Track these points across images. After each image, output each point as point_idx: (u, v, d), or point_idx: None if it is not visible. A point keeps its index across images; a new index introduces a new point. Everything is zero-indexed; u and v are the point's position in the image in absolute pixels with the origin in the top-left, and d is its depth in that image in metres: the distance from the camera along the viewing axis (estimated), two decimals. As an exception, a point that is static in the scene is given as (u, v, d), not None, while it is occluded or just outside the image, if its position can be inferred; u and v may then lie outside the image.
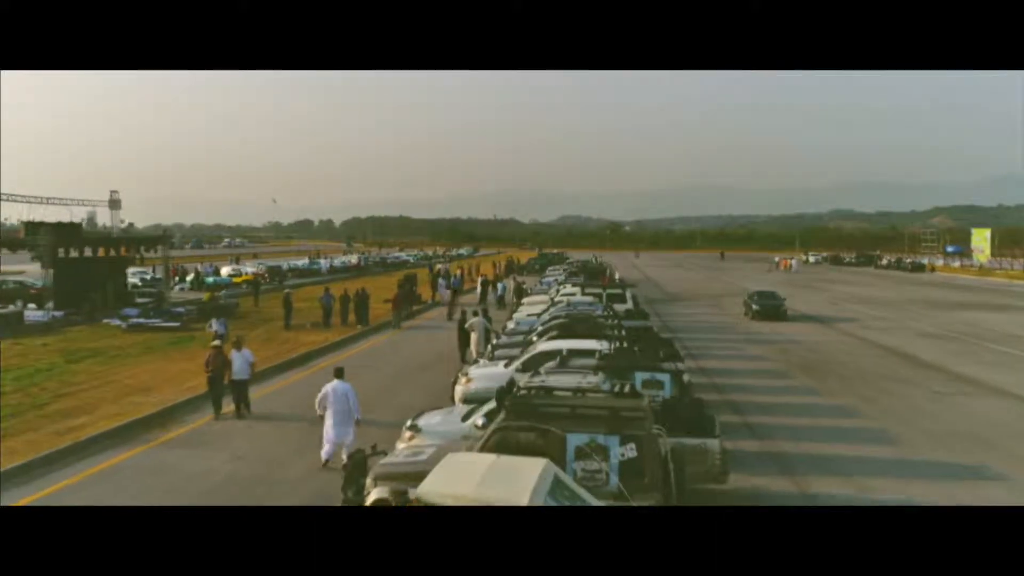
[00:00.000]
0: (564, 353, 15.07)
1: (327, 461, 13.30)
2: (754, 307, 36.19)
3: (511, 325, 26.12)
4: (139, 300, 37.26)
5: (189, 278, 50.66)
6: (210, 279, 50.19)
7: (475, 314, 23.59)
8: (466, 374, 16.80)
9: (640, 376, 13.60)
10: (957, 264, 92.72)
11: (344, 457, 11.98)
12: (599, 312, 24.77)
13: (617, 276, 36.54)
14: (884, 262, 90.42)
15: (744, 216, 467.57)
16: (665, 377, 13.70)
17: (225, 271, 54.22)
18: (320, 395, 13.63)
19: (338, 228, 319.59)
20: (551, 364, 14.60)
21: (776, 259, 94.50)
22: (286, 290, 33.50)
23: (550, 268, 62.97)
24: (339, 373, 13.94)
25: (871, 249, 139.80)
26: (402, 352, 26.43)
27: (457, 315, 28.97)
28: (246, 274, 52.76)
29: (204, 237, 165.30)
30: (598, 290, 30.23)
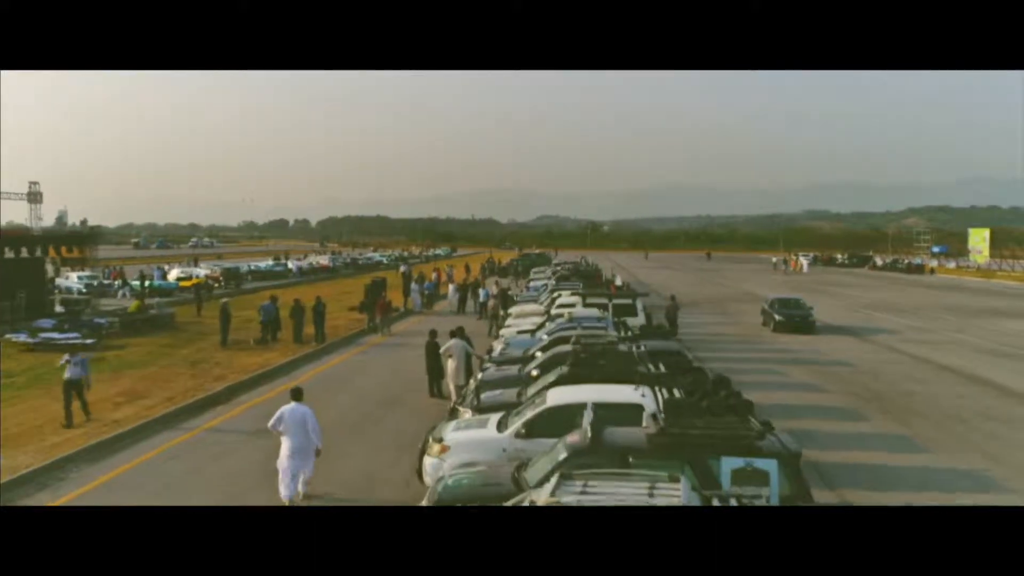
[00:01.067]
0: (590, 416, 9.33)
1: (290, 501, 11.04)
2: (776, 317, 30.90)
3: (499, 347, 20.54)
4: (59, 310, 31.43)
5: (133, 281, 44.49)
6: (155, 282, 44.03)
7: (452, 334, 17.98)
8: (440, 439, 11.16)
9: (729, 464, 8.12)
10: (953, 265, 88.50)
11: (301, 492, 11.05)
12: (611, 330, 19.36)
13: (619, 280, 31.12)
14: (880, 263, 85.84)
15: (721, 216, 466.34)
16: (770, 465, 8.19)
17: (174, 274, 48.06)
18: (274, 418, 11.46)
19: (314, 228, 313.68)
20: (575, 442, 8.96)
21: (774, 260, 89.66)
22: (224, 299, 27.62)
23: (534, 270, 57.41)
24: (297, 395, 11.73)
25: (857, 249, 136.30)
26: (364, 378, 20.81)
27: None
28: (197, 277, 46.67)
29: (170, 237, 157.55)
30: (602, 300, 24.70)
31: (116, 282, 44.78)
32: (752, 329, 31.91)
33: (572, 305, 24.37)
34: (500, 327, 26.09)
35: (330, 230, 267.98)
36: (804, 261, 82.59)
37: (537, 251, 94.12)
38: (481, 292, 34.55)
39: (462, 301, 36.58)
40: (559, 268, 47.64)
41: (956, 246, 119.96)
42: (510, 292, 35.03)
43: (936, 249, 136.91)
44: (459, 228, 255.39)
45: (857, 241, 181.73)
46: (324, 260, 69.55)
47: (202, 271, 49.78)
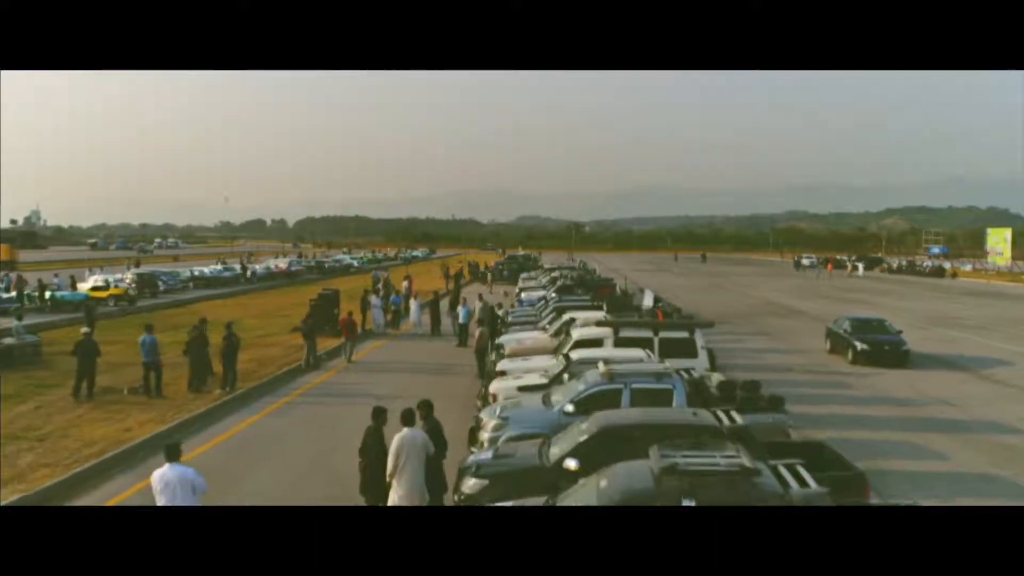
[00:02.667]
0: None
1: None
2: (857, 345, 22.78)
3: (490, 424, 12.09)
4: None
5: (31, 292, 35.66)
6: (58, 293, 35.18)
7: (404, 420, 9.53)
8: None
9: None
10: (969, 267, 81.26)
11: None
12: (680, 395, 11.20)
13: (649, 298, 22.60)
14: (895, 265, 78.30)
15: (701, 217, 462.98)
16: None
17: (91, 282, 39.13)
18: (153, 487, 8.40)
19: (291, 228, 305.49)
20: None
21: (806, 262, 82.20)
22: (84, 329, 18.95)
23: (523, 276, 49.07)
24: (172, 454, 8.68)
25: (841, 250, 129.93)
26: (262, 474, 12.34)
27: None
28: (117, 287, 37.90)
29: (132, 238, 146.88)
30: (642, 332, 16.30)
31: (12, 293, 35.84)
32: (818, 359, 23.85)
33: (598, 342, 16.05)
34: (493, 368, 17.83)
35: (307, 230, 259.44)
36: (859, 265, 74.91)
37: (523, 252, 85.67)
38: (461, 311, 26.08)
39: (435, 321, 28.15)
40: (557, 275, 39.37)
41: (954, 247, 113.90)
42: (500, 310, 26.59)
43: (936, 250, 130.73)
44: (439, 228, 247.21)
45: (844, 242, 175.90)
46: (282, 264, 60.60)
47: (129, 277, 41.01)
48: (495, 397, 14.12)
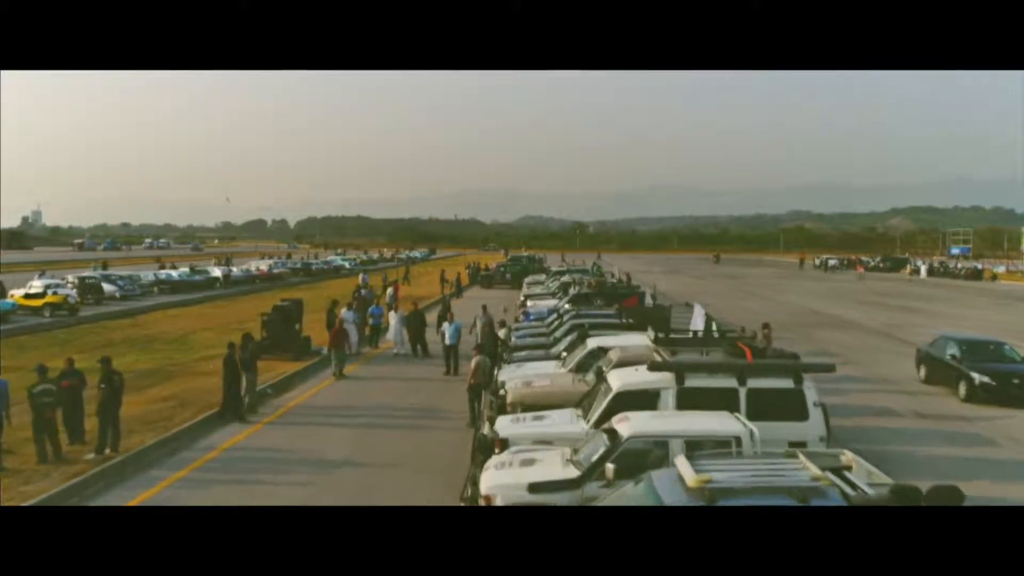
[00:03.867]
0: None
1: None
2: (975, 377, 16.94)
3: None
4: None
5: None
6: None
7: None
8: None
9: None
10: (1003, 269, 75.21)
11: None
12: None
13: (700, 317, 16.56)
14: (925, 267, 72.26)
15: (704, 217, 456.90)
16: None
17: (28, 288, 33.36)
18: None
19: (292, 228, 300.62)
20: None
21: (832, 262, 76.18)
22: None
23: (528, 279, 43.27)
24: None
25: (851, 250, 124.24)
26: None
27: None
28: (56, 294, 32.20)
29: (121, 238, 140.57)
30: (722, 378, 10.43)
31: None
32: (919, 395, 18.04)
33: (651, 396, 10.17)
34: (489, 413, 12.11)
35: (308, 230, 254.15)
36: (923, 267, 68.91)
37: (527, 253, 79.72)
38: (447, 328, 20.20)
39: (416, 339, 22.32)
40: (567, 278, 33.48)
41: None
42: (503, 329, 20.72)
43: (955, 250, 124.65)
44: (442, 229, 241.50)
45: (854, 242, 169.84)
46: (263, 266, 54.77)
47: (69, 283, 35.28)
48: (489, 499, 8.34)
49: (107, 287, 37.79)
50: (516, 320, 24.28)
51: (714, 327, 17.34)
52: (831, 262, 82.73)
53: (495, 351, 17.44)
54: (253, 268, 53.90)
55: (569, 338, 16.81)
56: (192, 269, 47.20)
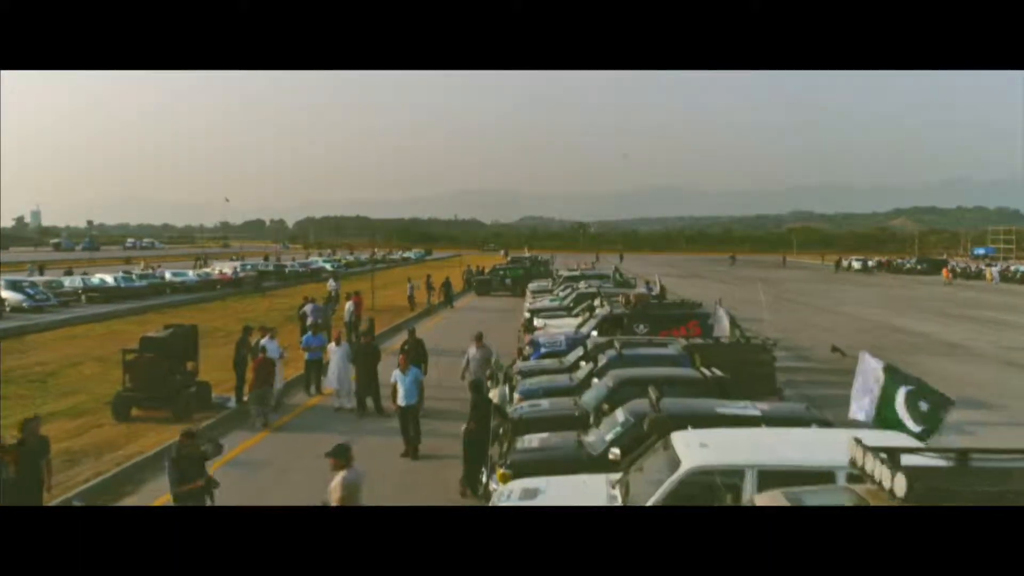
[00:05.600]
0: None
1: None
2: None
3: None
4: None
5: None
6: None
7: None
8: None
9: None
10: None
11: None
12: None
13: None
14: (973, 269, 64.19)
15: (706, 217, 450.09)
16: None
17: None
18: None
19: (291, 228, 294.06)
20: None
21: (870, 263, 68.20)
22: None
23: (532, 286, 35.45)
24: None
25: (860, 250, 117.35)
26: None
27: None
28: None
29: (100, 238, 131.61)
30: None
31: None
32: None
33: None
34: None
35: (307, 230, 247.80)
36: (995, 270, 60.49)
37: (529, 254, 71.62)
38: (399, 378, 12.20)
39: (367, 388, 14.45)
40: (584, 286, 25.54)
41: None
42: (497, 374, 12.86)
43: (980, 251, 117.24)
44: (441, 229, 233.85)
45: (865, 242, 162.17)
46: (226, 268, 46.82)
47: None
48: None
49: (11, 296, 29.99)
50: (520, 354, 16.40)
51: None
52: (860, 263, 74.80)
53: (485, 425, 9.62)
54: (216, 271, 46.05)
55: (623, 420, 8.85)
56: (124, 274, 39.21)
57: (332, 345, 15.21)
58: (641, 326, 15.77)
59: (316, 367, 15.99)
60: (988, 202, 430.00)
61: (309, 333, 16.65)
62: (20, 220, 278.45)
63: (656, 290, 21.99)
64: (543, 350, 15.75)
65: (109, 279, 36.41)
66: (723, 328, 15.86)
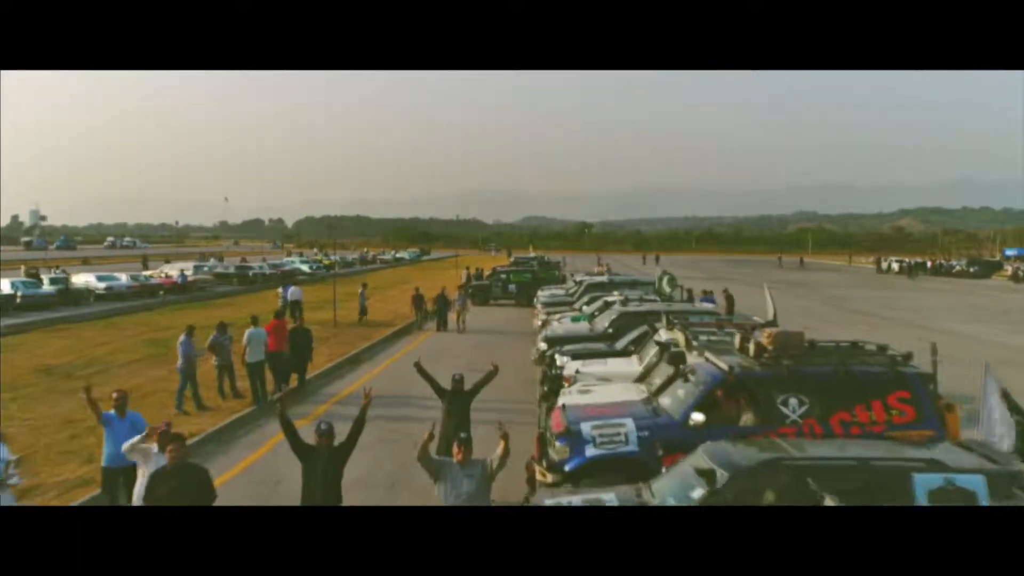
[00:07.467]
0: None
1: None
2: None
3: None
4: None
5: None
6: None
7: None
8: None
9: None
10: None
11: None
12: None
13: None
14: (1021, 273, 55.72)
15: (710, 217, 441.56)
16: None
17: None
18: None
19: (291, 228, 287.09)
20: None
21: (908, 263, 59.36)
22: None
23: (543, 296, 27.34)
24: None
25: (877, 250, 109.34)
26: None
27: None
28: None
29: (76, 236, 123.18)
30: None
31: None
32: None
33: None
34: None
35: (306, 230, 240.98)
36: None
37: (534, 254, 63.23)
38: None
39: None
40: (620, 299, 17.18)
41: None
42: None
43: (1010, 252, 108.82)
44: (442, 229, 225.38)
45: (881, 243, 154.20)
46: (172, 271, 38.51)
47: None
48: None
49: None
50: (542, 452, 8.17)
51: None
52: (898, 264, 66.43)
53: None
54: (161, 274, 37.83)
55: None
56: (28, 277, 30.95)
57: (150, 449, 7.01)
58: (793, 400, 7.56)
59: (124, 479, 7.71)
60: (993, 202, 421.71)
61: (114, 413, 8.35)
62: (15, 219, 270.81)
63: (769, 316, 13.16)
64: (591, 451, 7.46)
65: (5, 285, 28.19)
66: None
